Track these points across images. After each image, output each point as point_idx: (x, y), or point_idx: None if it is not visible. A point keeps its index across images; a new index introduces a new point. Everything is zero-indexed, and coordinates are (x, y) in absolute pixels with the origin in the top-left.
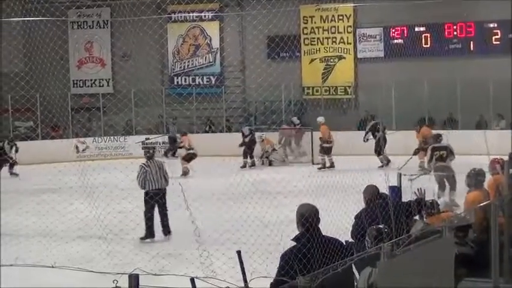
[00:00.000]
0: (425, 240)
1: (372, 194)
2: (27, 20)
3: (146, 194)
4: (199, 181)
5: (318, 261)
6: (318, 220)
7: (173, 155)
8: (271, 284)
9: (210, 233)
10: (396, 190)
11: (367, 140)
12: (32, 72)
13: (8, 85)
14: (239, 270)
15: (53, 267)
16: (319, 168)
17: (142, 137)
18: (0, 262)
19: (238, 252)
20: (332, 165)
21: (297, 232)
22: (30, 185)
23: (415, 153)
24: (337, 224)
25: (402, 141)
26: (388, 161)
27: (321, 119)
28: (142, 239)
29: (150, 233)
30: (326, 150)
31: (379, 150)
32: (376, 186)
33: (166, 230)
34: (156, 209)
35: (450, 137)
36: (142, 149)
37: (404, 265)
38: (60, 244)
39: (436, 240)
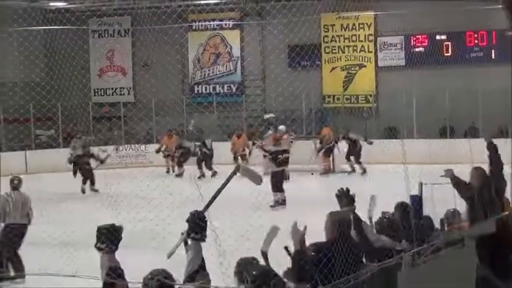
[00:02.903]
0: (447, 250)
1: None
2: (48, 29)
3: None
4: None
5: (340, 270)
6: (348, 228)
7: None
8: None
9: (231, 243)
10: (417, 199)
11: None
12: (53, 81)
13: (29, 94)
14: None
15: (74, 276)
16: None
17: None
18: None
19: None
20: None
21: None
22: (51, 194)
23: None
24: None
25: (424, 149)
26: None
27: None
28: None
29: None
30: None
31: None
32: None
33: None
34: None
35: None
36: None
37: (425, 275)
38: (82, 253)
39: (457, 250)
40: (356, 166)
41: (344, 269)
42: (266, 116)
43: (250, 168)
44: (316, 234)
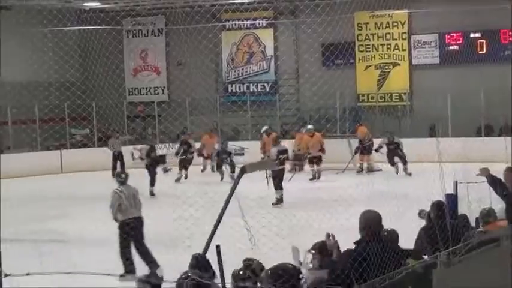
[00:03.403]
0: (483, 249)
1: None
2: (82, 29)
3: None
4: (252, 189)
5: (377, 268)
6: (381, 227)
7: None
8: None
9: (265, 241)
10: (453, 198)
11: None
12: (87, 81)
13: (64, 94)
14: None
15: (109, 275)
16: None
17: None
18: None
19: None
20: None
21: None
22: (86, 193)
23: None
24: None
25: (459, 148)
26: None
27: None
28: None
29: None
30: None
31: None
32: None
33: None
34: None
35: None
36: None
37: (460, 274)
38: (117, 252)
39: (493, 249)
40: (400, 167)
41: (379, 268)
42: (263, 129)
43: (256, 162)
44: (351, 232)
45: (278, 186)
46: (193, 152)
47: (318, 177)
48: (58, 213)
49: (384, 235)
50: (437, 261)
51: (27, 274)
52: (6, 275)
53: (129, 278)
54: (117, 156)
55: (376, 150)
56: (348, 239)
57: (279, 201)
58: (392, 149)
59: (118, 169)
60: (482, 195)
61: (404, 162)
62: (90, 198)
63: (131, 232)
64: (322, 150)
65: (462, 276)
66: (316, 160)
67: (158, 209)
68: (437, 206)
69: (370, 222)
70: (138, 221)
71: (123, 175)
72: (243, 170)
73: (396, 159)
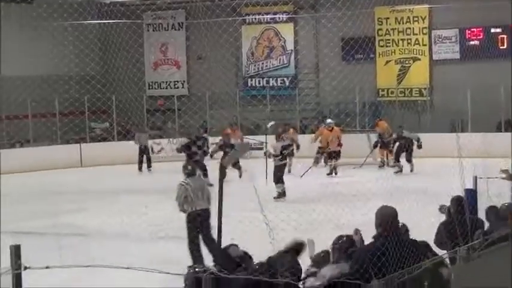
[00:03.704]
0: (503, 244)
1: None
2: (103, 23)
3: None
4: (271, 183)
5: (394, 264)
6: (397, 223)
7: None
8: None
9: (284, 236)
10: (472, 193)
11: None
12: (107, 74)
13: (84, 88)
14: None
15: (129, 268)
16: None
17: (217, 139)
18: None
19: None
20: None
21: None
22: (106, 186)
23: None
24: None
25: (479, 143)
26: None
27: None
28: None
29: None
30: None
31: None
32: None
33: None
34: None
35: None
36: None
37: (479, 269)
38: (137, 245)
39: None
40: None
41: (398, 263)
42: (269, 125)
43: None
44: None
45: (279, 181)
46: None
47: (336, 173)
48: (78, 206)
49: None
50: (457, 257)
51: (47, 267)
52: (25, 268)
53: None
54: (144, 150)
55: (375, 146)
56: (364, 234)
57: (281, 195)
58: (401, 144)
59: (144, 163)
60: (502, 190)
61: (409, 160)
62: (110, 191)
63: (197, 224)
64: (339, 144)
65: (481, 271)
66: (335, 155)
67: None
68: (456, 201)
69: (387, 218)
70: (205, 213)
71: (189, 167)
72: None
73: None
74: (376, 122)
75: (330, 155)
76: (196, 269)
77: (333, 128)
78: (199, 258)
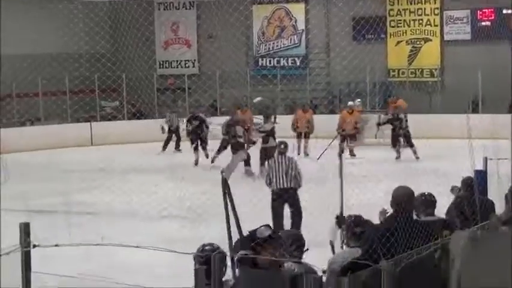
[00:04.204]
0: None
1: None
2: (113, 0)
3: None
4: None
5: (405, 245)
6: (412, 204)
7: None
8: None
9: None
10: (482, 174)
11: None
12: (118, 53)
13: (94, 66)
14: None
15: (138, 247)
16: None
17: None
18: None
19: None
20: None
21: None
22: (116, 165)
23: None
24: None
25: (490, 124)
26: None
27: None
28: None
29: None
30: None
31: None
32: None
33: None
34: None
35: None
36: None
37: (486, 252)
38: (146, 224)
39: None
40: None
41: (407, 243)
42: (255, 100)
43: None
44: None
45: (261, 161)
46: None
47: (353, 155)
48: (87, 185)
49: (422, 199)
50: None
51: (56, 245)
52: (34, 246)
53: None
54: (174, 131)
55: (379, 124)
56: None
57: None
58: (396, 126)
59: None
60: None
61: (411, 145)
62: (120, 170)
63: (280, 202)
64: (355, 128)
65: (487, 254)
66: (350, 138)
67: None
68: (466, 181)
69: (400, 198)
70: (292, 192)
71: (282, 146)
72: (225, 180)
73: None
74: (395, 101)
75: (344, 138)
76: (206, 247)
77: (353, 111)
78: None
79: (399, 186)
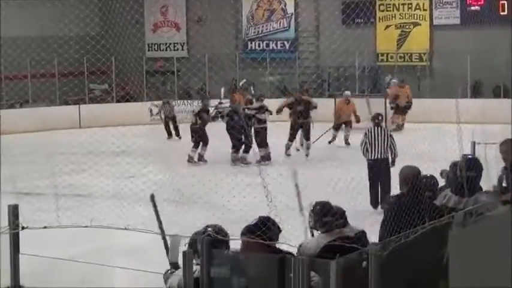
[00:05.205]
0: (500, 209)
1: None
2: None
3: None
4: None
5: (404, 226)
6: (420, 181)
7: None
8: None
9: (282, 199)
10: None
11: None
12: (108, 35)
13: (84, 48)
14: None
15: (126, 229)
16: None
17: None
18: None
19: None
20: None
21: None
22: (104, 148)
23: None
24: None
25: (478, 109)
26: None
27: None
28: None
29: None
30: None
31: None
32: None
33: None
34: None
35: None
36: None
37: (477, 235)
38: (134, 207)
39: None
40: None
41: (407, 224)
42: (241, 83)
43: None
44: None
45: (261, 145)
46: None
47: (348, 143)
48: (76, 168)
49: (423, 182)
50: (453, 222)
51: (45, 227)
52: (23, 228)
53: None
54: (171, 119)
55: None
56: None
57: (264, 158)
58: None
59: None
60: (499, 155)
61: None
62: (109, 153)
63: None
64: (357, 116)
65: (479, 237)
66: (345, 126)
67: (177, 166)
68: (454, 166)
69: (406, 177)
70: (383, 162)
71: (380, 117)
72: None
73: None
74: (403, 86)
75: (339, 126)
76: (196, 232)
77: (349, 102)
78: (376, 204)
79: (404, 166)
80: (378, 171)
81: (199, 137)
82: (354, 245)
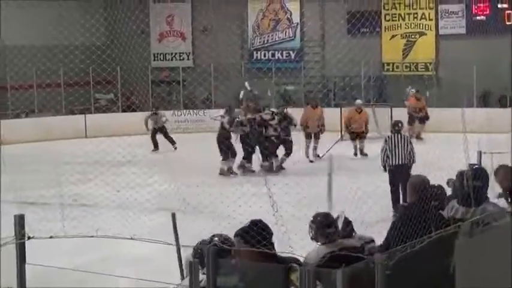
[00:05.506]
0: (507, 220)
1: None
2: None
3: None
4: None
5: (410, 235)
6: (428, 191)
7: None
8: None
9: (288, 208)
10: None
11: None
12: (113, 45)
13: (89, 58)
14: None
15: (132, 239)
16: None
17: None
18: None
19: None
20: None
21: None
22: (110, 157)
23: None
24: None
25: (484, 118)
26: None
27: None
28: None
29: None
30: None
31: None
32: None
33: None
34: None
35: None
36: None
37: (484, 245)
38: (139, 216)
39: None
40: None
41: (413, 234)
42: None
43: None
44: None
45: (266, 158)
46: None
47: (364, 154)
48: (82, 177)
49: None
50: (459, 231)
51: (51, 237)
52: (29, 238)
53: None
54: (159, 131)
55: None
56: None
57: (273, 168)
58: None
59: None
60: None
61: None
62: (114, 163)
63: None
64: (366, 127)
65: (485, 247)
66: (360, 136)
67: (180, 176)
68: (460, 175)
69: (414, 187)
70: (403, 168)
71: (400, 124)
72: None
73: None
74: (420, 97)
75: (353, 137)
76: (202, 241)
77: (361, 110)
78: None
79: (413, 176)
80: (400, 177)
81: (229, 149)
82: (360, 255)
